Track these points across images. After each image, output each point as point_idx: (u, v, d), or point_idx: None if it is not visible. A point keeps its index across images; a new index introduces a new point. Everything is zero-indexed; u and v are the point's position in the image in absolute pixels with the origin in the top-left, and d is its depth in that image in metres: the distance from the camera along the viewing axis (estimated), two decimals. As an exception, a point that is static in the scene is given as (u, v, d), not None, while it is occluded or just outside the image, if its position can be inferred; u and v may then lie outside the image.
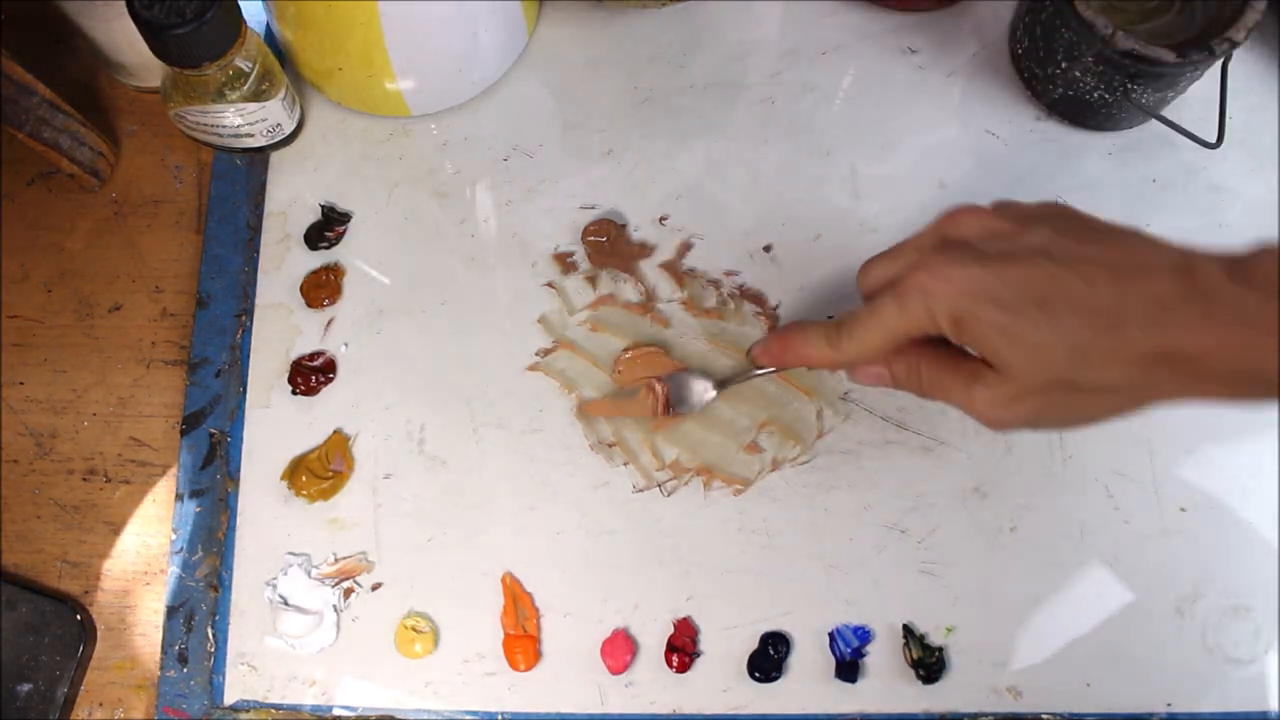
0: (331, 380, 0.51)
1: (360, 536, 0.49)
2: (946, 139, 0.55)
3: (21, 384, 0.52)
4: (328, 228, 0.53)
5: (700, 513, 0.49)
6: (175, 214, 0.55)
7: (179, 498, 0.49)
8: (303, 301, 0.52)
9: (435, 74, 0.53)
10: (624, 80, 0.56)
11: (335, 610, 0.47)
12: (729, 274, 0.53)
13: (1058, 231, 0.36)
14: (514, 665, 0.46)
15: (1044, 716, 0.46)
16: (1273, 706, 0.46)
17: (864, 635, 0.47)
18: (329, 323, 0.52)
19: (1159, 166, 0.54)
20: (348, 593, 0.48)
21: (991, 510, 0.49)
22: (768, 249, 0.53)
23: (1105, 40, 0.48)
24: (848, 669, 0.46)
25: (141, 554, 0.49)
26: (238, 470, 0.50)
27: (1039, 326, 0.34)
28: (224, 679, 0.47)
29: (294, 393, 0.50)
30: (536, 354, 0.51)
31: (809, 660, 0.47)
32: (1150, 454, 0.50)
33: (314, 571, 0.48)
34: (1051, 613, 0.47)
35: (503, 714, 0.46)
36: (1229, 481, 0.49)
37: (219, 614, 0.47)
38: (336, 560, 0.48)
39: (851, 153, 0.55)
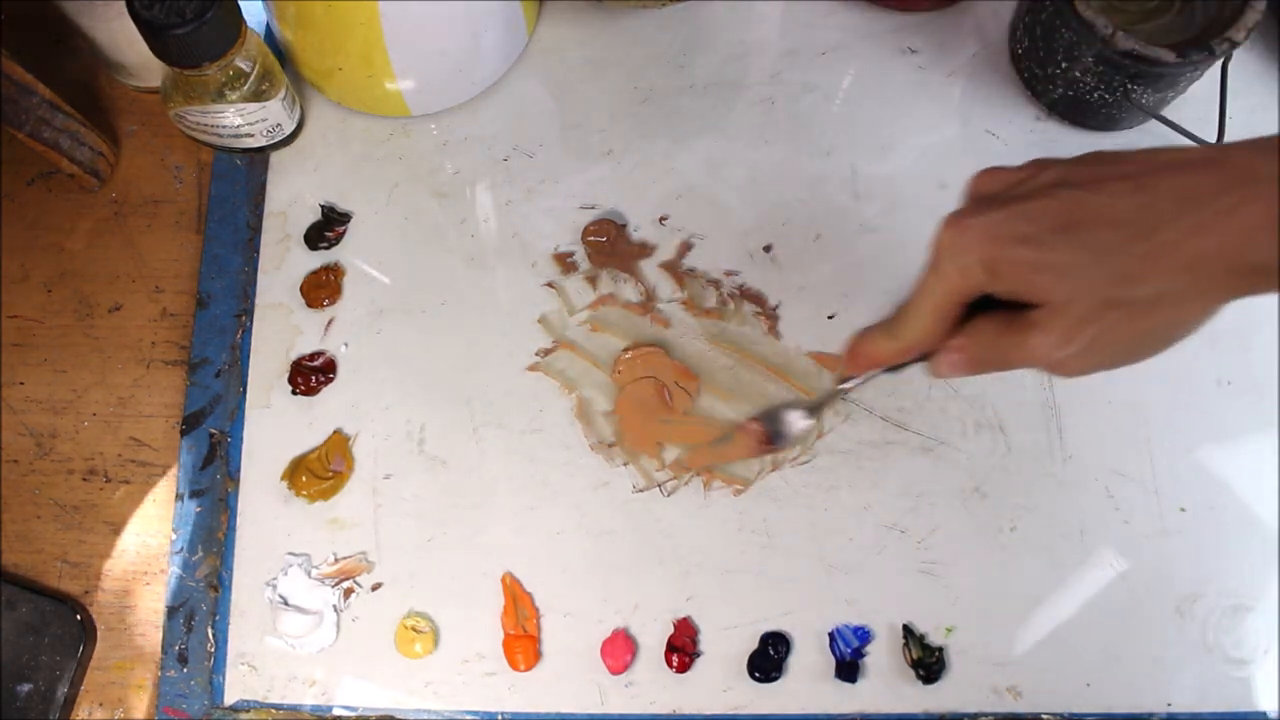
0: (331, 380, 0.51)
1: (360, 536, 0.49)
2: (946, 139, 0.55)
3: (21, 384, 0.52)
4: (328, 228, 0.53)
5: (700, 513, 0.49)
6: (175, 214, 0.55)
7: (179, 498, 0.49)
8: (303, 301, 0.52)
9: (435, 74, 0.53)
10: (624, 80, 0.56)
11: (335, 610, 0.47)
12: (729, 274, 0.53)
13: (1073, 163, 0.35)
14: (514, 665, 0.46)
15: (1044, 716, 0.46)
16: (1273, 707, 0.46)
17: (864, 635, 0.47)
18: (329, 323, 0.52)
19: (1159, 166, 0.54)
20: (348, 593, 0.48)
21: (991, 510, 0.49)
22: (768, 249, 0.53)
23: (1105, 40, 0.48)
24: (848, 669, 0.46)
25: (141, 554, 0.49)
26: (238, 470, 0.50)
27: (1069, 249, 0.33)
28: (224, 679, 0.47)
29: (294, 393, 0.50)
30: (536, 354, 0.51)
31: (809, 660, 0.47)
32: (1150, 454, 0.50)
33: (314, 571, 0.48)
34: (1051, 613, 0.47)
35: (503, 714, 0.46)
36: (1229, 481, 0.49)
37: (219, 614, 0.47)
38: (336, 560, 0.48)
39: (851, 153, 0.55)
